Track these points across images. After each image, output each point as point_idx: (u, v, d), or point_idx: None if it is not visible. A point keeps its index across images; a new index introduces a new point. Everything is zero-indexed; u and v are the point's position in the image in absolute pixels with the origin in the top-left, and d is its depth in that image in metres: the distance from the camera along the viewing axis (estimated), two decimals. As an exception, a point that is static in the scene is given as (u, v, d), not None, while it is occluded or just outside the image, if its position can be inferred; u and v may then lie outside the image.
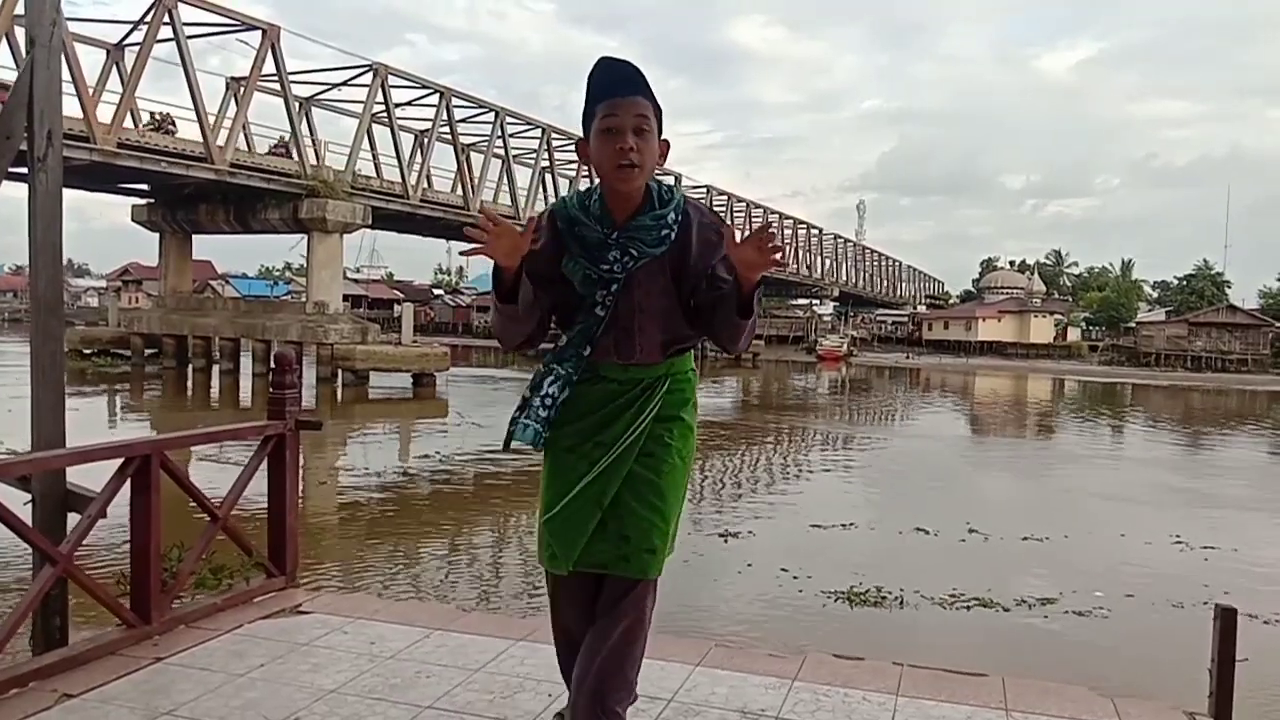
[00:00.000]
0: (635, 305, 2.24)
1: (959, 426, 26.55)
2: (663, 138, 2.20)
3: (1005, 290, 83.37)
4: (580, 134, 2.24)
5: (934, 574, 8.70)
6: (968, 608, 7.82)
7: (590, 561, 2.29)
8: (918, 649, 6.53)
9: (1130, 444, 23.43)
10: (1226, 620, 3.30)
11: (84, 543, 3.43)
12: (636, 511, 2.27)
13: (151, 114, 31.67)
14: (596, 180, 2.24)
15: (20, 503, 3.53)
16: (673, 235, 2.21)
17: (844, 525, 10.56)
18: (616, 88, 2.14)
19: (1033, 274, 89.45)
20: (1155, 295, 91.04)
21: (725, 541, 9.67)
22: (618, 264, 2.20)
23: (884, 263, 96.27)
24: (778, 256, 2.06)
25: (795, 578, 8.40)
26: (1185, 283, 79.79)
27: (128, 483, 3.43)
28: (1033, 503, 13.74)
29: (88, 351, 34.29)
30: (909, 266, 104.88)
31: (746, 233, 2.11)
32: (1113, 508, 13.18)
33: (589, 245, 2.20)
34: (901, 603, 7.80)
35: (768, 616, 7.55)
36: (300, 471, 4.37)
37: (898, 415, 29.78)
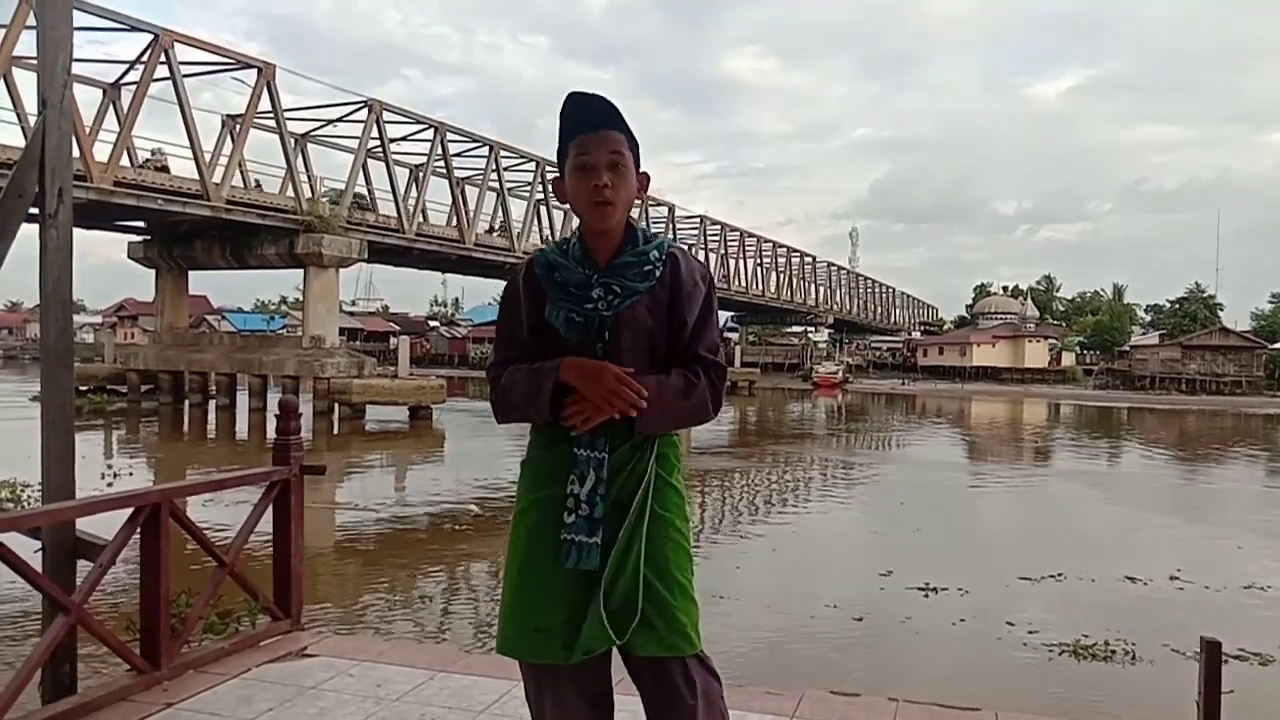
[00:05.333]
0: (624, 349, 2.03)
1: (1036, 459, 25.59)
2: (642, 170, 2.10)
3: (999, 315, 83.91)
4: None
5: (1161, 626, 8.31)
6: (1224, 661, 7.49)
7: (587, 646, 2.02)
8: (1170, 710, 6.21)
9: (1238, 478, 22.78)
10: (1212, 653, 3.39)
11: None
12: (594, 588, 2.01)
13: (152, 152, 32.02)
14: (575, 223, 2.14)
15: (30, 549, 3.61)
16: (657, 272, 2.07)
17: (1054, 576, 10.15)
18: (588, 123, 2.04)
19: (1026, 299, 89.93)
20: (1148, 319, 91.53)
21: (926, 597, 9.25)
22: (602, 302, 2.03)
23: (878, 289, 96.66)
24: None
25: (1031, 633, 8.09)
26: (1178, 306, 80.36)
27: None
28: (1211, 546, 12.81)
29: (83, 388, 34.26)
30: (902, 293, 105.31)
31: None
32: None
33: (570, 285, 2.05)
34: (1134, 657, 7.44)
35: (992, 674, 7.31)
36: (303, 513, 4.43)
37: (943, 446, 29.29)
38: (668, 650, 2.03)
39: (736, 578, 10.03)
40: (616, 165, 2.02)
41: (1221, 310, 78.17)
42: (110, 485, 12.61)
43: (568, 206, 2.09)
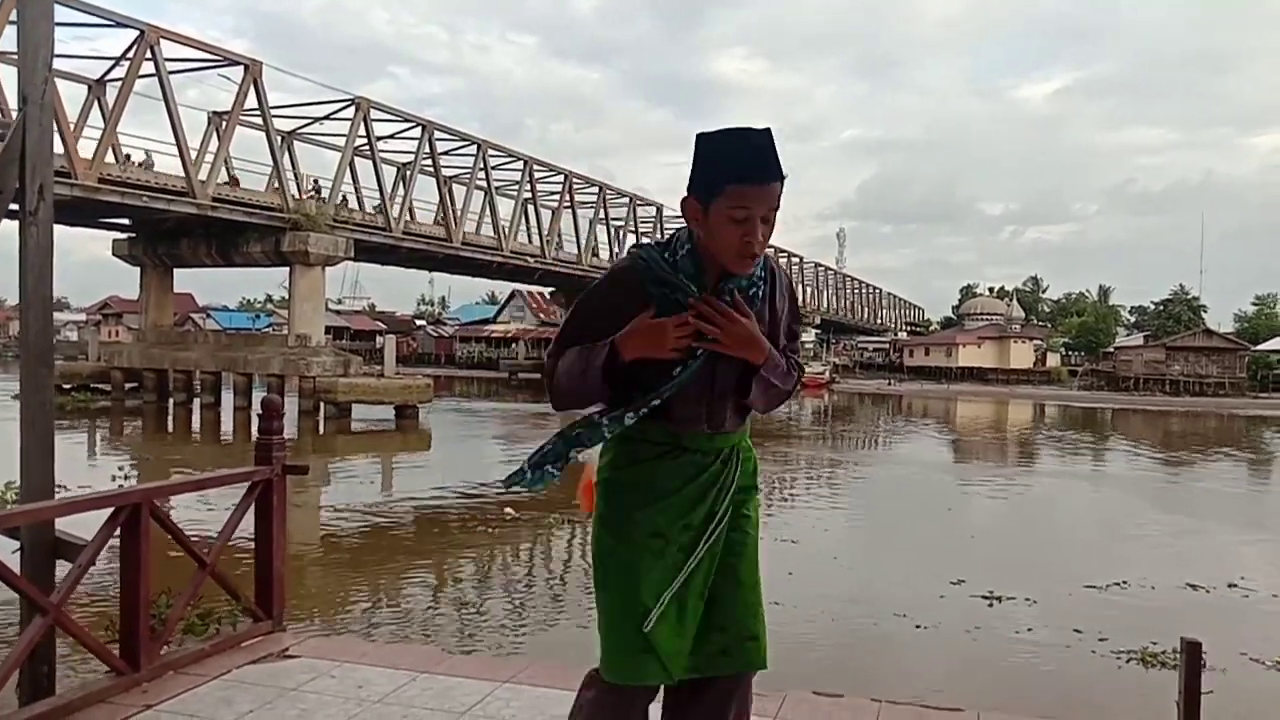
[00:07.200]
0: (721, 365, 2.04)
1: (1053, 463, 25.14)
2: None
3: (985, 316, 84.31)
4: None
5: (1229, 634, 8.19)
6: None
7: (703, 669, 2.07)
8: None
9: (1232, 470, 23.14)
10: (1192, 654, 3.42)
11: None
12: (729, 597, 2.08)
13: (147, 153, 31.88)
14: (671, 228, 2.10)
15: (8, 550, 3.58)
16: (761, 291, 2.09)
17: (1118, 584, 10.09)
18: (757, 173, 1.94)
19: (1012, 300, 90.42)
20: (1133, 320, 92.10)
21: (990, 606, 9.15)
22: None
23: (864, 290, 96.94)
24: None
25: (1101, 640, 8.04)
26: (1162, 307, 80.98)
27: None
28: (1270, 553, 12.90)
29: (67, 386, 34.01)
30: (889, 294, 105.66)
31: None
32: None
33: (681, 308, 1.99)
34: (1204, 665, 7.47)
35: (1060, 682, 7.28)
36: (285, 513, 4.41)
37: (951, 449, 29.05)
38: (761, 665, 2.10)
39: (791, 584, 9.71)
40: (768, 220, 1.97)
41: (1205, 312, 78.84)
42: (120, 486, 12.52)
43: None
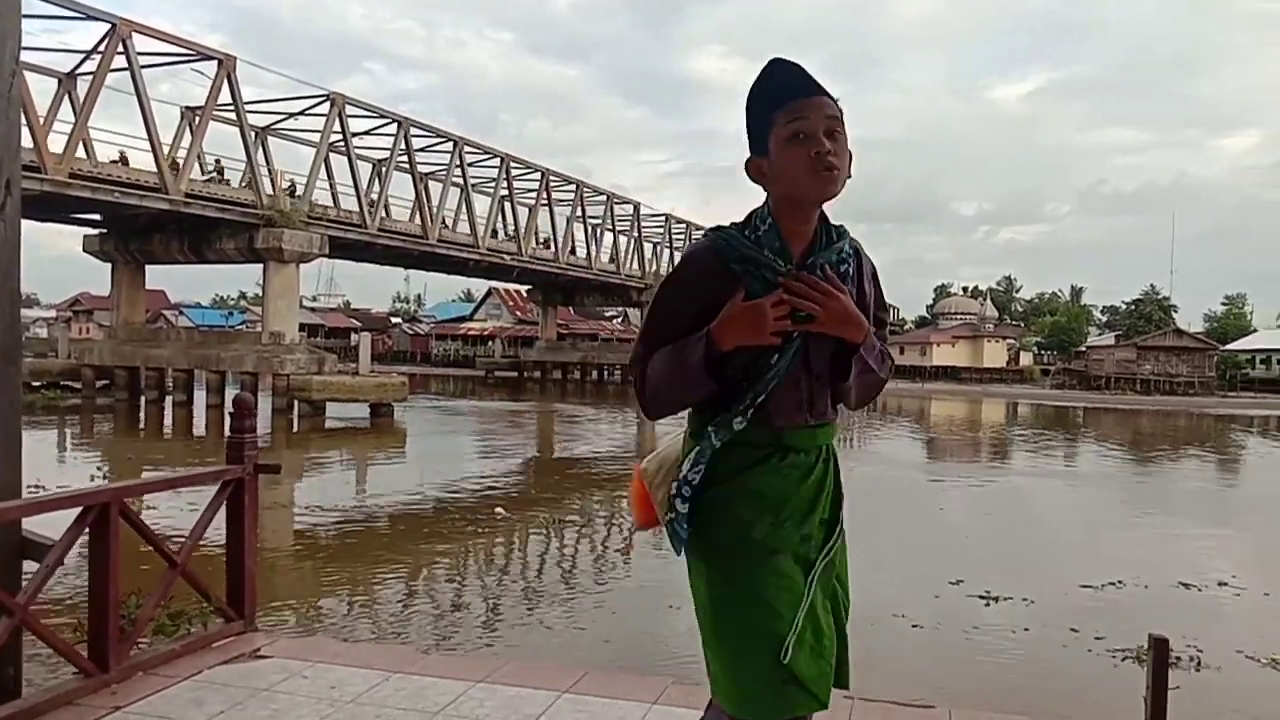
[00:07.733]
0: (812, 347, 1.87)
1: (1037, 463, 24.97)
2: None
3: (959, 316, 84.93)
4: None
5: (1220, 632, 8.27)
6: None
7: (828, 690, 1.88)
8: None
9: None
10: (1160, 650, 3.46)
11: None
12: (826, 615, 1.93)
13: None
14: (762, 204, 1.93)
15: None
16: (849, 271, 1.92)
17: (1114, 584, 10.12)
18: (799, 88, 1.82)
19: (985, 300, 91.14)
20: (1104, 320, 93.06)
21: (987, 605, 9.12)
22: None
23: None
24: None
25: (1098, 639, 8.06)
26: (1133, 307, 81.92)
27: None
28: (1255, 551, 13.01)
29: (36, 384, 33.59)
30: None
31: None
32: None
33: (771, 286, 1.82)
34: (1199, 664, 7.44)
35: (1057, 680, 7.31)
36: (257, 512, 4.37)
37: (934, 448, 29.10)
38: (845, 685, 1.96)
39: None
40: (834, 134, 1.82)
41: (1175, 312, 79.85)
42: (100, 486, 12.40)
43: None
